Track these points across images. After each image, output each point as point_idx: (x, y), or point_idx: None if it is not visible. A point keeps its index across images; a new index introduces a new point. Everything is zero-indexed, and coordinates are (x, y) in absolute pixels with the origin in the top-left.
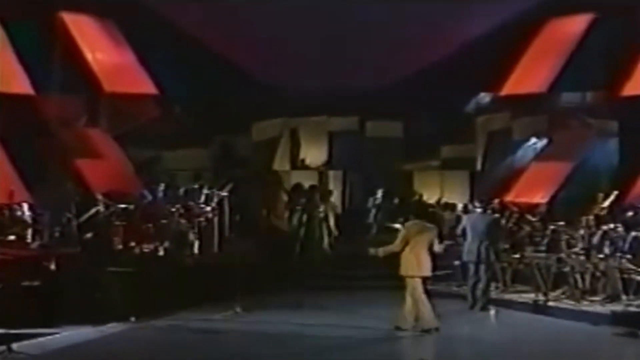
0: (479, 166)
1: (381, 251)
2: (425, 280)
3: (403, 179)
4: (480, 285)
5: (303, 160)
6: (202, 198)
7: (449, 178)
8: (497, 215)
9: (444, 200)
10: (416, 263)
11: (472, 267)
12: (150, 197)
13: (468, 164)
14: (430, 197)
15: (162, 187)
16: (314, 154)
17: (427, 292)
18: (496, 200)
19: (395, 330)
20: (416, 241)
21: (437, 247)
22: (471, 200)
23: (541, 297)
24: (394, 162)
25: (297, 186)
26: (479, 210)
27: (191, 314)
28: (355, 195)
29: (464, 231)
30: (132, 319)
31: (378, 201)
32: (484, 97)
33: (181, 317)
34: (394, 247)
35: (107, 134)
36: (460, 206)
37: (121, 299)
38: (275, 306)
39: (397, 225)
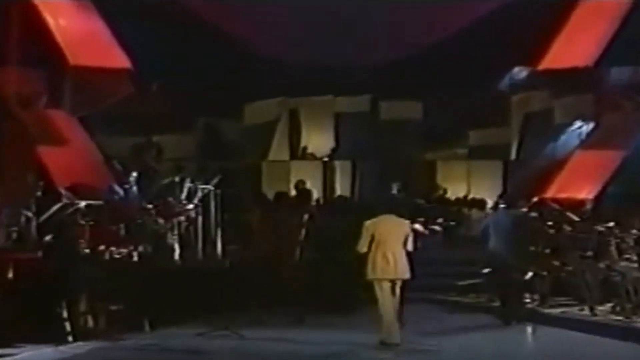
0: (513, 155)
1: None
2: (404, 283)
3: (424, 170)
4: (512, 297)
5: (304, 149)
6: (184, 193)
7: (478, 169)
8: (525, 212)
9: (471, 195)
10: (385, 264)
11: (499, 276)
12: (121, 192)
13: (500, 152)
14: (455, 191)
15: (134, 179)
16: (317, 140)
17: (402, 299)
18: (534, 197)
19: (382, 346)
20: (384, 240)
21: (410, 245)
22: (502, 195)
23: (586, 312)
24: (412, 150)
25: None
26: (502, 206)
27: (170, 331)
28: (367, 190)
29: (485, 232)
30: (100, 337)
31: (395, 195)
32: (520, 72)
33: (158, 335)
34: (359, 248)
35: (72, 116)
36: (490, 203)
37: (88, 313)
38: (271, 322)
39: (417, 226)
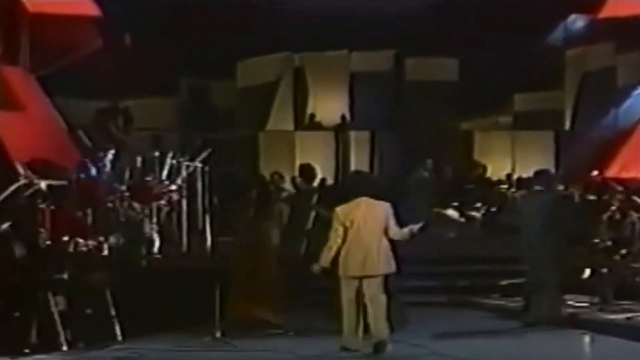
0: (567, 124)
1: (324, 260)
2: (386, 278)
3: (459, 143)
4: (544, 297)
5: (312, 116)
6: (165, 171)
7: (525, 141)
8: (581, 194)
9: (517, 174)
10: (362, 258)
11: (533, 271)
12: (91, 170)
13: (552, 121)
14: (497, 169)
15: (110, 155)
16: (328, 106)
17: (389, 295)
18: (592, 175)
19: (342, 351)
20: (359, 228)
21: (396, 233)
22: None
23: None
24: (445, 118)
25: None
26: (538, 187)
27: (149, 340)
28: (389, 167)
29: (530, 219)
30: (64, 347)
31: (422, 175)
32: (576, 22)
33: (134, 345)
34: (331, 244)
35: (31, 74)
36: None
37: (49, 319)
38: (270, 330)
39: (450, 212)
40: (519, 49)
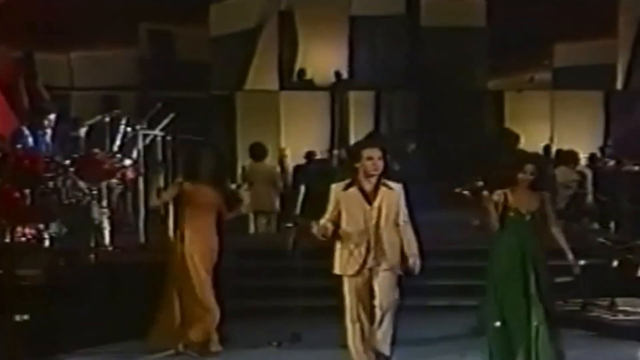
0: (620, 81)
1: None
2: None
3: (484, 106)
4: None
5: (302, 72)
6: (117, 141)
7: (567, 104)
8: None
9: (556, 145)
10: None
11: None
12: (29, 140)
13: (601, 78)
14: (533, 139)
15: (51, 120)
16: (321, 59)
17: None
18: None
19: None
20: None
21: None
22: (605, 144)
23: None
24: (468, 74)
25: None
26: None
27: (99, 353)
28: (398, 136)
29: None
30: None
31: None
32: None
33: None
34: (320, 229)
35: None
36: (584, 156)
37: None
38: (249, 340)
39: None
40: None
